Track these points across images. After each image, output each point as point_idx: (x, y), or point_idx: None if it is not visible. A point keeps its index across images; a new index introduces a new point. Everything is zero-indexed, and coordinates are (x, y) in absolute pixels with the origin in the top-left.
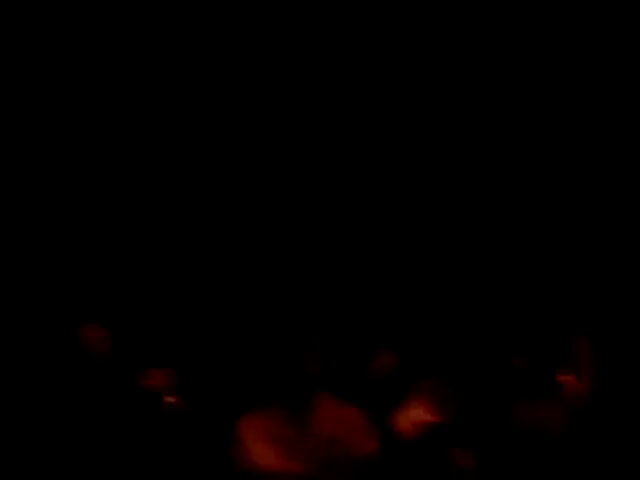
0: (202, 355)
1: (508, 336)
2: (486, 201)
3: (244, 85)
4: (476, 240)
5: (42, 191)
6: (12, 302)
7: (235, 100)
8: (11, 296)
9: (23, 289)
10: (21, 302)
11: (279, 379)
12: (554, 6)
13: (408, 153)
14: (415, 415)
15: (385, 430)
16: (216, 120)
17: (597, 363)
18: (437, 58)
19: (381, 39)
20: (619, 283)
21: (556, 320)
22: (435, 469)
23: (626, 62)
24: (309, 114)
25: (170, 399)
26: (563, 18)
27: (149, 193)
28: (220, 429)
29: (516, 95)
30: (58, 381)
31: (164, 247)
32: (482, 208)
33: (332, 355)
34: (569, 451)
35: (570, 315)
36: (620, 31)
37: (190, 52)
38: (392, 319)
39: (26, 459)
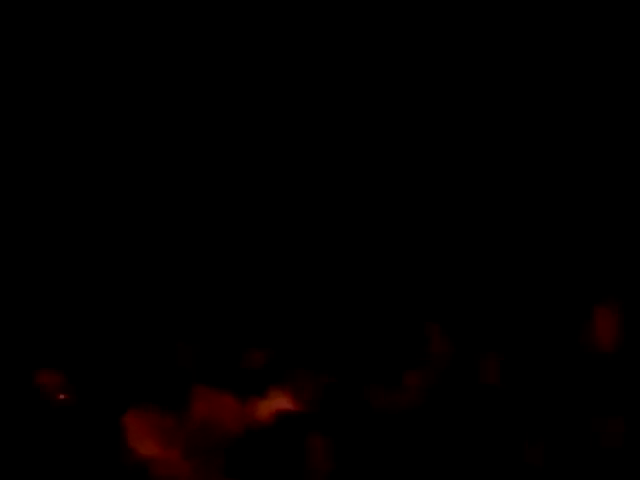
0: (89, 355)
1: (364, 327)
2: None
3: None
4: (337, 241)
5: None
6: None
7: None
8: None
9: None
10: None
11: (159, 376)
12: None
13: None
14: (276, 404)
15: (247, 417)
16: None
17: (449, 351)
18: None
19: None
20: (479, 276)
21: (412, 309)
22: (294, 455)
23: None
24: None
25: (60, 396)
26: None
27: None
28: (107, 424)
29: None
30: None
31: (44, 248)
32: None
33: (207, 350)
34: (422, 435)
35: (425, 304)
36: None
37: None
38: (265, 314)
39: None
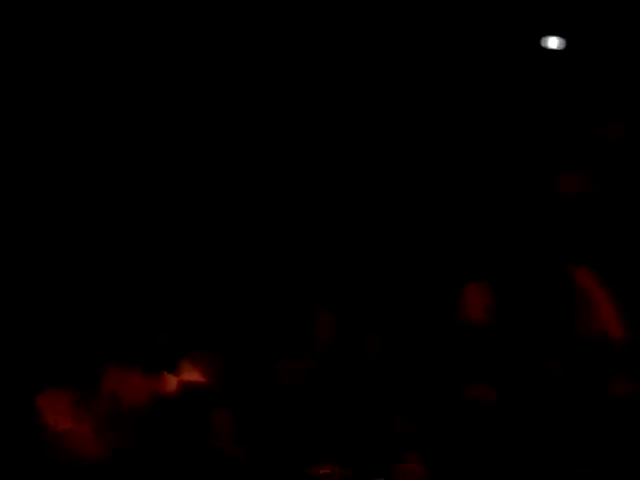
0: (3, 338)
1: (261, 311)
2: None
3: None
4: (231, 226)
5: None
6: None
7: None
8: None
9: None
10: None
11: (71, 357)
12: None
13: None
14: (185, 377)
15: (156, 391)
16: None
17: (335, 329)
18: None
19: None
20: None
21: (302, 293)
22: (201, 426)
23: None
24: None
25: None
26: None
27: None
28: (23, 404)
29: None
30: None
31: None
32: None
33: (117, 330)
34: (315, 406)
35: (313, 288)
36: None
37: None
38: (172, 293)
39: None
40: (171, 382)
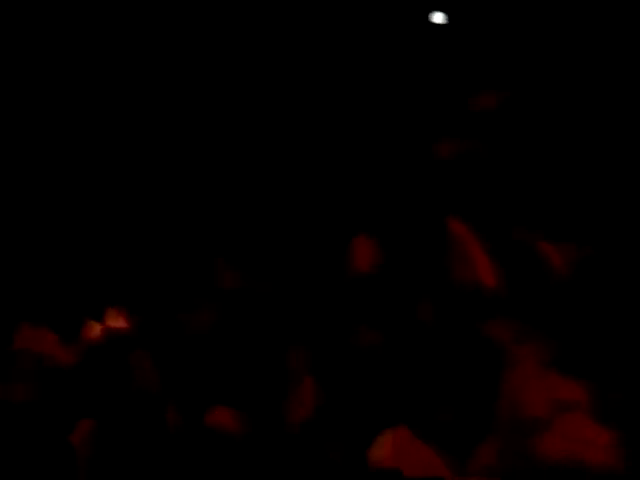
0: None
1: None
2: None
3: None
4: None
5: None
6: None
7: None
8: None
9: None
10: None
11: None
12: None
13: None
14: (110, 324)
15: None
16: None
17: (235, 279)
18: None
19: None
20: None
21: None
22: (123, 371)
23: None
24: None
25: None
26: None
27: None
28: None
29: None
30: None
31: None
32: None
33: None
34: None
35: (214, 243)
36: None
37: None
38: (82, 253)
39: None
40: (95, 329)
